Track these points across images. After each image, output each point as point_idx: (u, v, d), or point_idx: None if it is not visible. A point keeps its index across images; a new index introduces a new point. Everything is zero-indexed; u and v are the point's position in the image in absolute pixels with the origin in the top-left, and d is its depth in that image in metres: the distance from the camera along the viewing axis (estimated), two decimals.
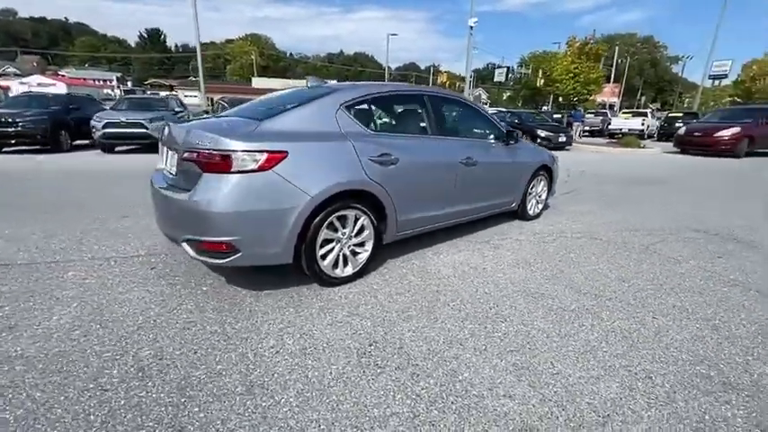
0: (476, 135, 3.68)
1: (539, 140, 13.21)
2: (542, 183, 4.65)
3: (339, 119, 2.69)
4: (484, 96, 74.14)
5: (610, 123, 21.98)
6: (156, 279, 2.79)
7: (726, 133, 12.04)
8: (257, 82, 61.06)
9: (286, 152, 2.32)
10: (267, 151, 2.26)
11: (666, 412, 1.69)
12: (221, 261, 2.35)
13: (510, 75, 43.26)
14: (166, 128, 2.74)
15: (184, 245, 2.42)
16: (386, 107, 3.05)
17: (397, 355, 2.03)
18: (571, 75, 20.23)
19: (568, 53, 20.24)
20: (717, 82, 38.80)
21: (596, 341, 2.20)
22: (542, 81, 49.62)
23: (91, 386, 1.72)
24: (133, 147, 10.41)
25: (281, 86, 60.84)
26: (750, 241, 4.06)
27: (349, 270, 2.79)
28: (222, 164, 2.22)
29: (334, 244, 2.66)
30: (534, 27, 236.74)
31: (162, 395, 1.68)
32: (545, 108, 49.52)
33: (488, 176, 3.79)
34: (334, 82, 3.23)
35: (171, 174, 2.64)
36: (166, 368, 1.86)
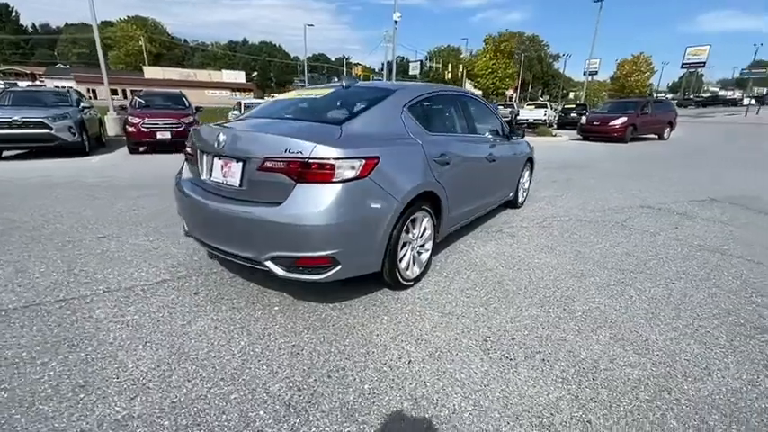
0: (491, 132, 3.92)
1: None
2: (527, 173, 5.12)
3: (404, 120, 2.68)
4: None
5: (518, 114, 24.49)
6: (211, 304, 2.49)
7: (617, 122, 14.36)
8: (151, 72, 54.38)
9: (378, 157, 2.26)
10: (365, 158, 2.17)
11: (738, 357, 2.11)
12: (319, 277, 2.20)
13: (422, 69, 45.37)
14: (215, 133, 2.42)
15: (269, 264, 2.20)
16: (434, 107, 3.08)
17: (516, 345, 2.16)
18: (490, 70, 22.09)
19: (487, 50, 22.02)
20: (590, 77, 45.73)
21: (650, 308, 2.60)
22: (450, 75, 53.03)
23: None
24: (21, 151, 8.65)
25: (179, 77, 54.69)
26: (684, 212, 5.04)
27: (417, 271, 2.82)
28: (322, 173, 2.07)
29: (407, 247, 2.67)
30: (435, 21, 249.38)
31: (332, 425, 1.58)
32: None
33: (501, 170, 4.07)
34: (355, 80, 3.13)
35: (227, 184, 2.36)
36: (314, 398, 1.73)
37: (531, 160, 5.10)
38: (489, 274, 3.07)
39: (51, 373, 1.83)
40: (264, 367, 1.92)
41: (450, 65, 50.42)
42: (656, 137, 15.73)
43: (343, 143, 2.16)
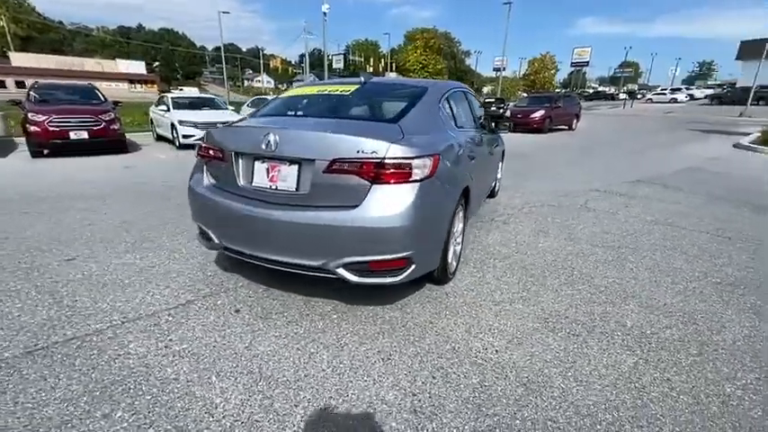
0: (483, 126, 4.11)
1: None
2: (500, 165, 5.49)
3: (441, 116, 2.71)
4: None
5: (506, 109, 25.67)
6: (263, 321, 2.28)
7: (536, 115, 15.96)
8: (20, 58, 45.63)
9: (440, 155, 2.27)
10: (432, 156, 2.17)
11: (734, 309, 2.58)
12: (395, 279, 2.16)
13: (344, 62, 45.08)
14: (260, 134, 2.19)
15: (341, 270, 2.10)
16: (454, 103, 3.10)
17: (573, 323, 2.37)
18: (421, 65, 22.76)
19: (417, 46, 22.61)
20: (499, 73, 49.89)
21: (652, 278, 3.03)
22: (372, 69, 53.47)
23: None
24: None
25: (56, 65, 46.75)
26: (625, 193, 5.86)
27: (454, 264, 2.90)
28: (399, 173, 2.03)
29: (451, 240, 2.73)
30: (350, 15, 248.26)
31: (469, 422, 1.60)
32: None
33: (492, 163, 4.32)
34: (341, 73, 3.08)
35: (278, 190, 2.18)
36: (434, 399, 1.72)
37: (503, 152, 5.47)
38: (510, 261, 3.27)
39: (125, 425, 1.54)
40: (365, 378, 1.85)
41: (372, 59, 50.94)
42: (567, 127, 17.81)
43: (413, 142, 2.13)
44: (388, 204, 2.02)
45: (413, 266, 2.17)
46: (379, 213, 2.01)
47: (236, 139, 2.33)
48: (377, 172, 2.01)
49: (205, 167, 2.53)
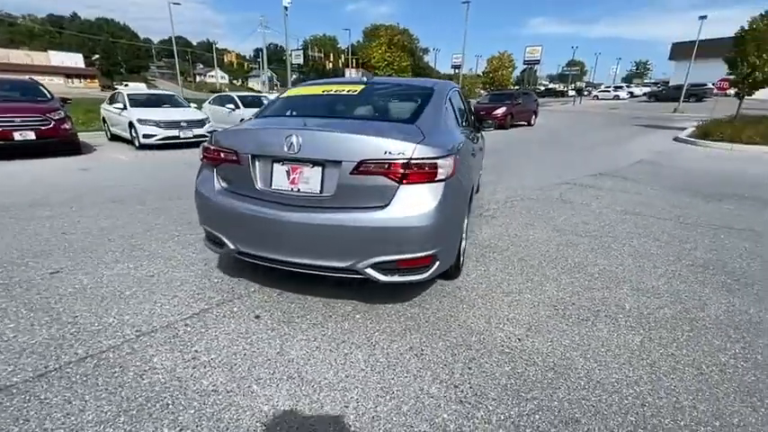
0: (472, 124, 4.25)
1: None
2: (482, 161, 5.69)
3: (447, 116, 2.78)
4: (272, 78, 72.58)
5: None
6: (287, 326, 2.26)
7: (499, 112, 16.59)
8: None
9: (458, 154, 2.34)
10: (453, 155, 2.23)
11: (710, 288, 2.89)
12: (422, 276, 2.21)
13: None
14: (281, 135, 2.15)
15: (369, 270, 2.12)
16: (453, 102, 3.16)
17: (579, 308, 2.55)
18: (386, 62, 22.75)
19: (381, 42, 22.53)
20: (457, 70, 51.15)
21: (636, 263, 3.30)
22: (331, 65, 52.84)
23: None
24: None
25: None
26: (592, 185, 6.29)
27: (462, 258, 3.00)
28: (426, 173, 2.08)
29: (462, 236, 2.82)
30: (307, 8, 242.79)
31: (513, 407, 1.70)
32: None
33: (480, 160, 4.48)
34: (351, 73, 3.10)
35: (301, 192, 2.16)
36: (475, 389, 1.81)
37: (482, 149, 5.68)
38: (508, 253, 3.43)
39: None
40: (405, 374, 1.89)
41: (331, 55, 50.32)
42: (526, 123, 18.66)
43: (435, 142, 2.18)
44: (416, 204, 2.07)
45: (437, 263, 2.24)
46: (407, 213, 2.05)
47: (253, 140, 2.26)
48: (404, 172, 2.05)
49: (215, 171, 2.44)
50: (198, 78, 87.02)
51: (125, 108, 9.73)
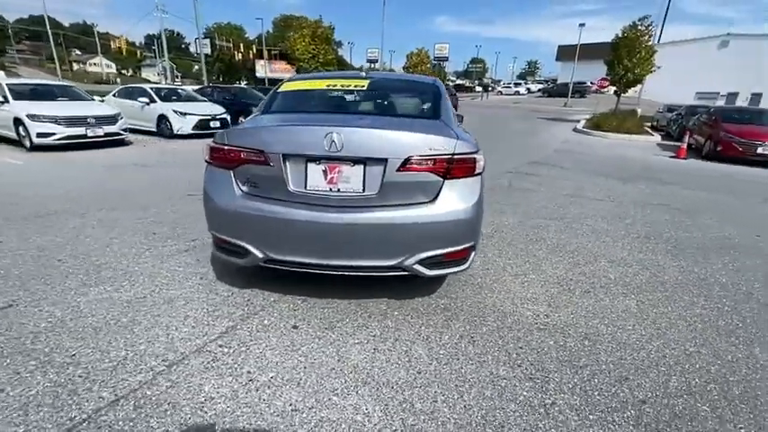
0: None
1: None
2: None
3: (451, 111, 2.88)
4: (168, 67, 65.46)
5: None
6: (331, 332, 2.17)
7: None
8: None
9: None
10: (478, 150, 2.34)
11: (683, 260, 3.49)
12: (462, 267, 2.29)
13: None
14: (320, 133, 2.03)
15: (416, 266, 2.14)
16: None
17: (579, 282, 2.89)
18: (311, 55, 21.83)
19: (304, 34, 21.51)
20: (372, 65, 51.78)
21: (611, 241, 3.82)
22: (241, 56, 49.41)
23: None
24: None
25: None
26: (532, 173, 7.00)
27: None
28: (466, 168, 2.15)
29: None
30: None
31: (578, 384, 1.90)
32: (244, 84, 49.91)
33: None
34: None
35: (341, 192, 2.08)
36: (536, 371, 1.97)
37: None
38: (496, 239, 3.70)
39: None
40: (469, 361, 1.97)
41: (241, 45, 47.06)
42: None
43: (464, 137, 2.25)
44: (460, 198, 2.14)
45: (473, 253, 2.34)
46: (453, 207, 2.11)
47: (285, 139, 2.09)
48: (448, 167, 2.10)
49: (232, 173, 2.20)
50: (76, 66, 74.57)
51: (5, 101, 8.02)
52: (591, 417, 1.65)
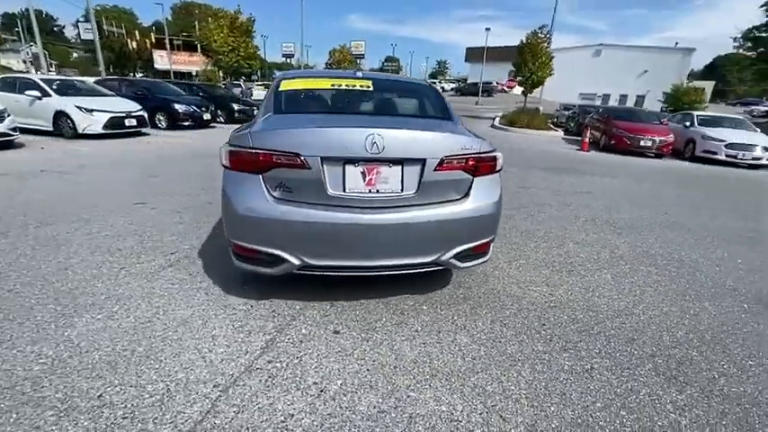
0: None
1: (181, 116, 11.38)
2: None
3: None
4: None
5: (251, 95, 24.28)
6: (372, 332, 2.18)
7: None
8: None
9: None
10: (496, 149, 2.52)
11: (611, 233, 4.11)
12: (485, 258, 2.46)
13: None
14: (359, 135, 2.01)
15: (452, 260, 2.26)
16: None
17: (563, 264, 3.28)
18: (230, 48, 19.97)
19: (221, 25, 19.56)
20: (288, 60, 50.13)
21: (559, 224, 4.34)
22: (136, 45, 43.87)
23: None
24: None
25: None
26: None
27: None
28: (490, 165, 2.32)
29: None
30: None
31: (623, 346, 2.21)
32: (140, 75, 44.43)
33: None
34: None
35: (380, 193, 2.10)
36: (580, 342, 2.24)
37: None
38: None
39: None
40: (511, 342, 2.16)
41: (136, 32, 41.81)
42: None
43: (484, 138, 2.42)
44: (488, 193, 2.30)
45: (492, 244, 2.53)
46: (483, 202, 2.27)
47: (323, 141, 2.02)
48: (476, 166, 2.24)
49: (262, 178, 2.06)
50: None
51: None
52: (623, 374, 1.95)
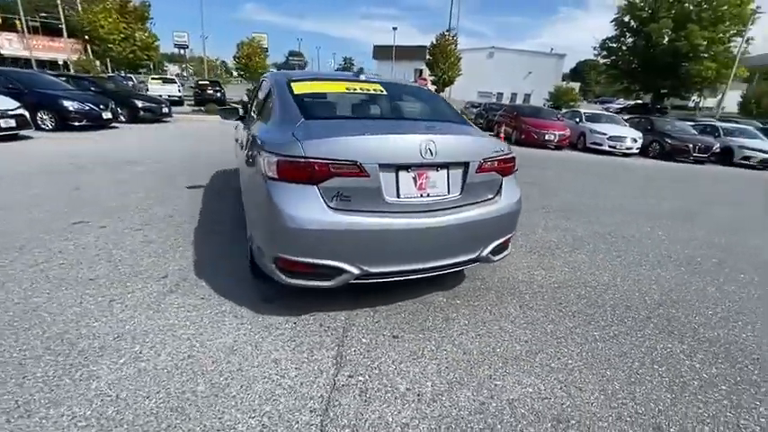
0: None
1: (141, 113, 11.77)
2: None
3: None
4: None
5: (147, 90, 21.45)
6: (429, 332, 2.26)
7: None
8: None
9: None
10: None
11: (575, 222, 4.74)
12: (508, 251, 2.67)
13: None
14: (414, 142, 2.05)
15: (489, 255, 2.43)
16: None
17: (545, 248, 3.71)
18: (123, 36, 16.78)
19: (109, 8, 16.25)
20: (182, 51, 45.32)
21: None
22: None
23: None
24: None
25: None
26: None
27: None
28: (512, 166, 2.53)
29: None
30: None
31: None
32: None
33: None
34: None
35: (429, 196, 2.17)
36: (626, 318, 2.59)
37: None
38: None
39: None
40: (548, 323, 2.42)
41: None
42: None
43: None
44: (513, 192, 2.52)
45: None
46: (512, 200, 2.48)
47: (381, 148, 1.99)
48: (504, 167, 2.45)
49: (318, 189, 1.95)
50: None
51: None
52: (638, 335, 2.35)
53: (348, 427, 1.57)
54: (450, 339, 2.19)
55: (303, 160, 1.94)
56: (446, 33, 21.00)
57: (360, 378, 1.84)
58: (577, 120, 13.88)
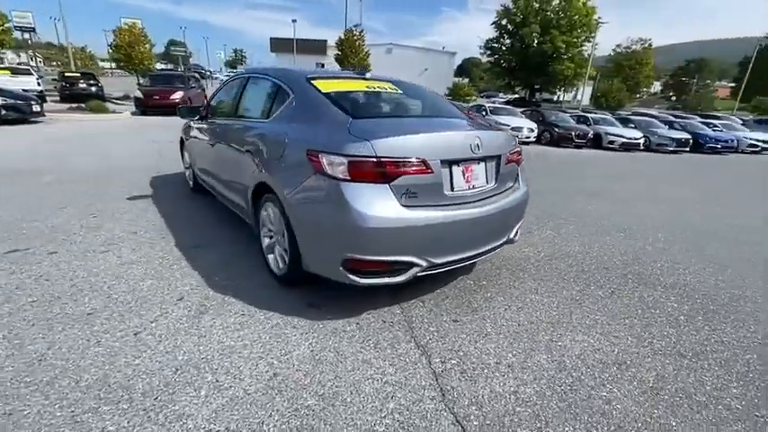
0: None
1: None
2: None
3: None
4: None
5: None
6: (475, 312, 2.47)
7: (177, 96, 14.97)
8: None
9: None
10: None
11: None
12: (520, 233, 3.00)
13: None
14: (466, 140, 2.22)
15: (513, 237, 2.73)
16: None
17: (529, 227, 4.19)
18: None
19: None
20: (28, 34, 37.10)
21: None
22: None
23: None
24: None
25: None
26: None
27: None
28: (521, 157, 2.85)
29: None
30: None
31: (674, 301, 3.14)
32: None
33: None
34: None
35: (474, 188, 2.36)
36: (641, 289, 3.07)
37: None
38: None
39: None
40: (572, 288, 2.82)
41: None
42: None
43: None
44: (524, 180, 2.85)
45: None
46: (525, 187, 2.80)
47: (442, 145, 2.11)
48: (519, 158, 2.75)
49: (390, 187, 1.97)
50: None
51: None
52: (632, 290, 2.89)
53: (474, 404, 1.69)
54: (501, 315, 2.43)
55: (375, 159, 1.95)
56: (353, 29, 21.18)
57: (453, 362, 1.96)
58: (483, 113, 15.39)
